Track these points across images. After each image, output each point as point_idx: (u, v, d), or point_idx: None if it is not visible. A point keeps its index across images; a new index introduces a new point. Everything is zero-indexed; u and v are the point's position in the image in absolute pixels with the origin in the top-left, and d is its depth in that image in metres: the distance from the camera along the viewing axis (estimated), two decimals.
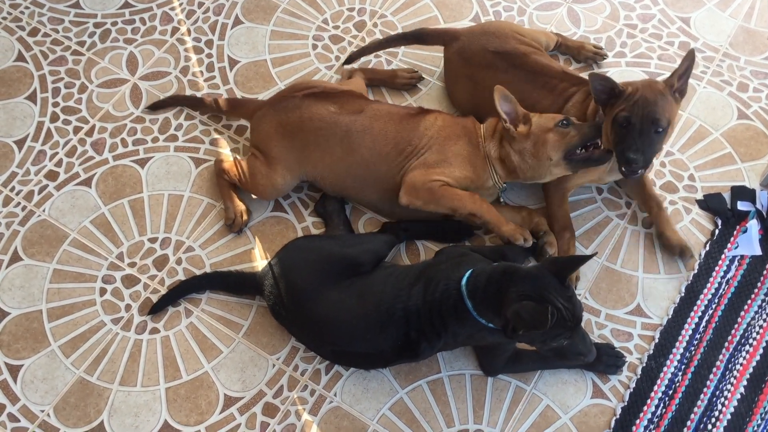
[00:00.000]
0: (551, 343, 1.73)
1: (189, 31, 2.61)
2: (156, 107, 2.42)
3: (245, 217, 2.21)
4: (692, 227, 2.23)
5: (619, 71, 2.50)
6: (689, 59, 1.97)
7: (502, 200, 2.20)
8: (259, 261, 2.19)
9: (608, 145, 2.00)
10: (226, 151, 2.37)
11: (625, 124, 1.94)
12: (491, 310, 1.73)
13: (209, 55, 2.56)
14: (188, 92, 2.49)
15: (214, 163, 2.29)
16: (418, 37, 2.43)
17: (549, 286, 1.68)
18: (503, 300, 1.69)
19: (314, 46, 2.58)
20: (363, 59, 2.49)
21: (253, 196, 2.24)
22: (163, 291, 2.14)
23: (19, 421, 1.98)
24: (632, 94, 1.95)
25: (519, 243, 2.05)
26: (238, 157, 2.32)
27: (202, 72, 2.53)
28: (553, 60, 2.28)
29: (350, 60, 2.45)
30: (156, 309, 2.10)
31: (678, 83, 1.98)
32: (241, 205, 2.22)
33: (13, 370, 2.05)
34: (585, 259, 1.73)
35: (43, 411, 2.00)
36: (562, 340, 1.71)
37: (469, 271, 1.79)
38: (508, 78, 2.17)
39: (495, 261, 1.89)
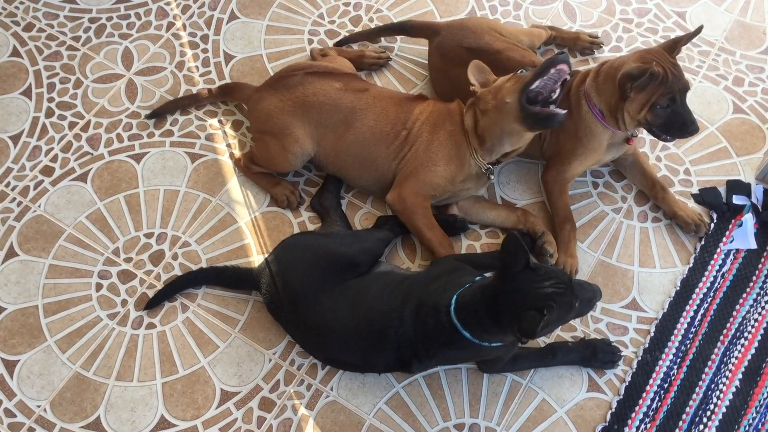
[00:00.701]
0: (567, 318, 1.72)
1: (184, 26, 2.61)
2: (155, 115, 2.40)
3: (295, 192, 2.24)
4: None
5: None
6: (696, 32, 1.99)
7: (498, 197, 2.21)
8: (255, 256, 2.19)
9: (637, 126, 2.02)
10: (222, 146, 2.37)
11: (669, 104, 1.95)
12: (491, 332, 1.71)
13: (205, 50, 2.56)
14: (183, 87, 2.48)
15: (235, 164, 2.30)
16: (403, 28, 2.46)
17: (530, 282, 1.63)
18: (501, 321, 1.66)
19: (310, 41, 2.57)
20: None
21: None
22: (160, 286, 2.14)
23: (15, 416, 1.98)
24: (663, 75, 1.93)
25: None
26: (244, 150, 2.33)
27: (197, 67, 2.52)
28: (529, 55, 2.23)
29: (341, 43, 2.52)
30: (152, 304, 2.10)
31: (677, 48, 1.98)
32: (284, 187, 2.24)
33: (9, 366, 2.04)
34: (516, 242, 1.64)
35: (39, 406, 2.00)
36: (571, 310, 1.68)
37: (455, 296, 1.76)
38: (452, 64, 2.21)
39: (492, 268, 1.87)
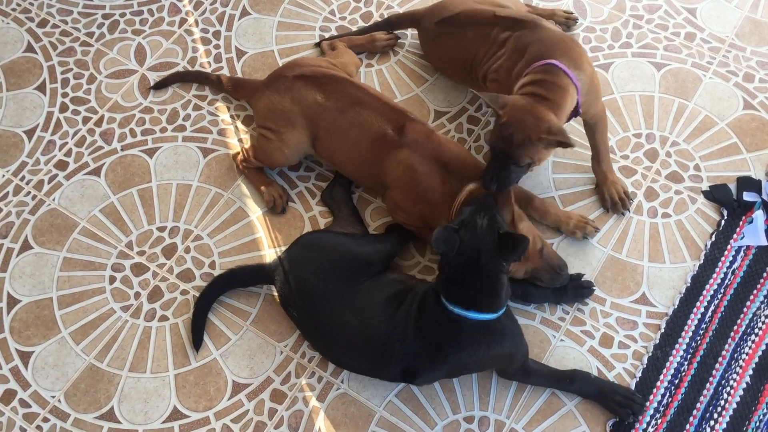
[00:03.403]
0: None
1: (197, 22, 2.63)
2: (160, 86, 2.45)
3: (283, 196, 2.25)
4: (697, 216, 2.24)
5: (625, 61, 2.51)
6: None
7: None
8: (267, 250, 2.21)
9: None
10: (233, 140, 2.39)
11: (491, 151, 1.95)
12: (471, 291, 1.79)
13: (217, 46, 2.58)
14: (196, 84, 2.50)
15: (232, 158, 2.32)
16: (390, 23, 2.54)
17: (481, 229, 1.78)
18: (469, 274, 1.77)
19: (321, 37, 2.59)
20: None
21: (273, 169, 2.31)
22: (172, 279, 2.16)
23: (30, 406, 2.01)
24: (504, 123, 1.90)
25: None
26: (244, 145, 2.35)
27: (209, 63, 2.55)
28: (491, 7, 2.22)
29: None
30: (197, 343, 2.06)
31: (558, 138, 1.87)
32: (274, 188, 2.25)
33: (24, 357, 2.07)
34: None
35: (53, 397, 2.02)
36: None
37: (434, 285, 1.86)
38: (451, 43, 2.26)
39: None
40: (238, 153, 2.31)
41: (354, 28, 2.60)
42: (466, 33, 2.21)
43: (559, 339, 2.06)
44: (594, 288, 2.10)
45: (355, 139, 2.12)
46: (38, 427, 1.98)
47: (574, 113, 2.02)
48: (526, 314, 2.09)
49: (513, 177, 1.95)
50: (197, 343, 2.06)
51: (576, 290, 2.08)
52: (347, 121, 2.12)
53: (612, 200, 2.22)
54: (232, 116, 2.44)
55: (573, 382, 1.96)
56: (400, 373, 1.88)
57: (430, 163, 2.04)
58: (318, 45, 2.53)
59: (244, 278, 2.12)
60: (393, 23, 2.53)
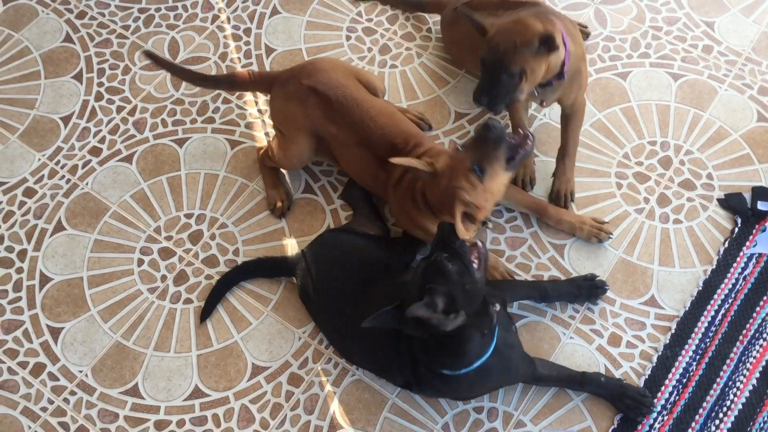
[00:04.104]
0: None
1: (228, 19, 2.72)
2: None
3: (286, 202, 2.30)
4: (708, 224, 2.30)
5: (643, 71, 2.57)
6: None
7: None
8: (288, 239, 2.29)
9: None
10: (260, 134, 2.47)
11: (482, 65, 1.99)
12: (452, 357, 1.77)
13: (247, 43, 2.67)
14: None
15: (257, 152, 2.39)
16: (418, 5, 2.67)
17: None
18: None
19: (348, 38, 2.67)
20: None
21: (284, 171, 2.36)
22: (197, 264, 2.25)
23: (58, 380, 2.10)
24: (491, 37, 1.95)
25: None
26: (270, 140, 2.43)
27: (239, 58, 2.64)
28: None
29: None
30: (205, 315, 2.15)
31: (547, 42, 1.91)
32: (280, 192, 2.30)
33: (54, 333, 2.16)
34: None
35: (81, 371, 2.11)
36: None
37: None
38: (462, 28, 2.30)
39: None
40: (262, 147, 2.38)
41: (380, 30, 2.68)
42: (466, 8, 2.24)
43: (568, 336, 2.12)
44: (607, 287, 2.16)
45: (360, 171, 2.19)
46: (65, 399, 2.07)
47: (559, 75, 2.04)
48: (537, 311, 2.16)
49: (504, 90, 1.96)
50: (204, 316, 2.14)
51: (590, 290, 2.14)
52: (352, 155, 2.15)
53: (557, 195, 2.29)
54: (259, 110, 2.52)
55: (583, 385, 2.01)
56: (402, 383, 1.97)
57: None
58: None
59: (268, 268, 2.20)
60: (421, 5, 2.64)
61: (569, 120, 2.25)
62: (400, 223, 2.21)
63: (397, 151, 2.07)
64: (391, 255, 2.11)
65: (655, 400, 2.03)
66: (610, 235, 2.25)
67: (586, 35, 2.62)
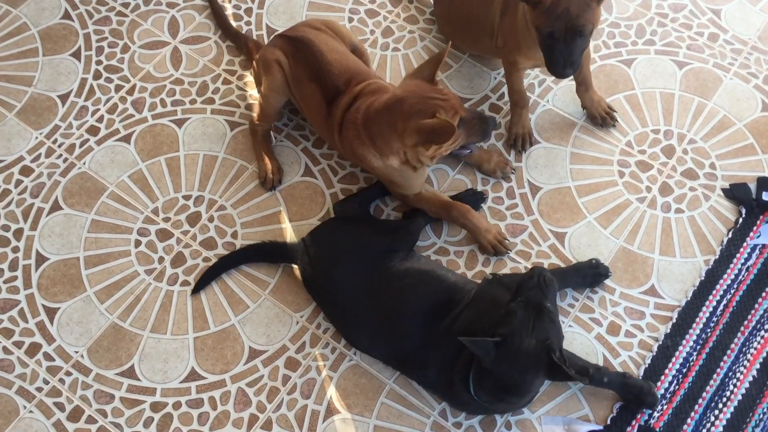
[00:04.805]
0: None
1: None
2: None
3: (277, 175, 2.30)
4: (710, 214, 2.29)
5: (648, 58, 2.55)
6: None
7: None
8: (288, 223, 2.27)
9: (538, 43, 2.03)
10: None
11: (549, 39, 1.97)
12: (512, 396, 1.82)
13: (248, 23, 2.64)
14: (226, 57, 2.56)
15: (249, 124, 2.38)
16: None
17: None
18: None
19: (350, 19, 2.64)
20: None
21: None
22: (195, 246, 2.23)
23: (54, 360, 2.09)
24: (554, 5, 1.92)
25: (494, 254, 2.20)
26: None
27: None
28: None
29: None
30: (199, 288, 2.16)
31: None
32: (272, 164, 2.31)
33: (50, 312, 2.15)
34: None
35: (77, 352, 2.10)
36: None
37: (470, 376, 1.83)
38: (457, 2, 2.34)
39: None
40: (252, 119, 2.36)
41: (383, 12, 2.65)
42: None
43: (567, 324, 2.12)
44: (610, 273, 2.15)
45: (312, 111, 2.21)
46: (61, 380, 2.06)
47: None
48: None
49: (578, 52, 1.98)
50: (197, 289, 2.15)
51: (594, 278, 2.13)
52: (305, 93, 2.19)
53: (601, 117, 2.38)
54: (259, 91, 2.49)
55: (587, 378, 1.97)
56: (416, 379, 2.00)
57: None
58: None
59: (269, 253, 2.18)
60: None
61: (583, 60, 2.24)
62: (348, 158, 2.27)
63: (343, 87, 2.12)
64: (394, 238, 2.10)
65: (655, 389, 2.02)
66: (513, 171, 2.33)
67: None
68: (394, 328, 1.95)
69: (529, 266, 2.19)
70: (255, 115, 2.35)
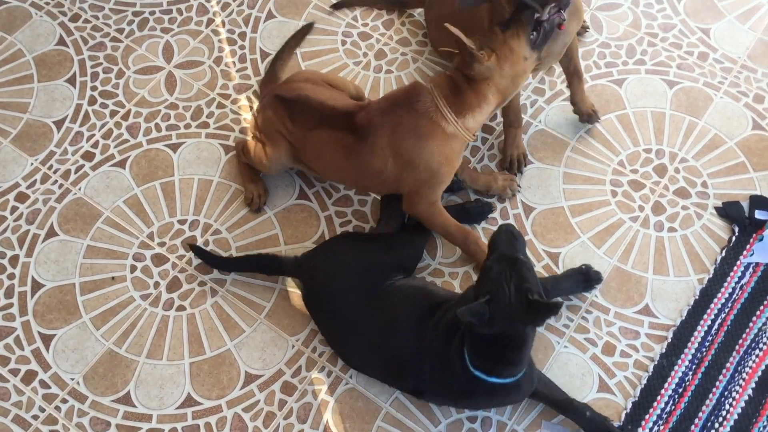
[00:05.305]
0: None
1: (223, 23, 2.71)
2: (339, 6, 2.72)
3: (263, 197, 2.32)
4: (702, 232, 2.30)
5: (639, 78, 2.57)
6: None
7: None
8: (283, 246, 2.28)
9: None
10: (247, 136, 2.46)
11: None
12: (509, 363, 1.82)
13: (242, 47, 2.66)
14: (220, 81, 2.58)
15: (235, 147, 2.39)
16: (399, 2, 2.70)
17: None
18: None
19: (343, 42, 2.66)
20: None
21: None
22: (191, 271, 2.24)
23: (50, 387, 2.09)
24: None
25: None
26: (248, 137, 2.44)
27: (234, 63, 2.62)
28: None
29: (337, 6, 2.71)
30: (196, 252, 2.21)
31: None
32: (257, 187, 2.32)
33: (46, 339, 2.15)
34: None
35: (73, 379, 2.10)
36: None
37: (454, 311, 1.82)
38: (444, 8, 2.32)
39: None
40: (240, 143, 2.36)
41: (376, 35, 2.67)
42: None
43: (562, 345, 2.12)
44: (602, 278, 2.18)
45: (328, 155, 2.15)
46: (57, 407, 2.06)
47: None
48: None
49: None
50: (196, 252, 2.21)
51: (586, 284, 2.16)
52: (312, 142, 2.15)
53: (588, 114, 2.41)
54: (253, 115, 2.51)
55: (568, 412, 1.98)
56: (411, 389, 1.98)
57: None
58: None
59: (268, 265, 2.18)
60: (401, 1, 2.69)
61: (571, 47, 2.24)
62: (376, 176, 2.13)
63: (354, 108, 2.10)
64: (400, 254, 2.11)
65: (651, 410, 2.03)
66: (519, 187, 2.35)
67: (584, 29, 2.64)
68: (388, 342, 1.95)
69: None
70: (244, 144, 2.33)
